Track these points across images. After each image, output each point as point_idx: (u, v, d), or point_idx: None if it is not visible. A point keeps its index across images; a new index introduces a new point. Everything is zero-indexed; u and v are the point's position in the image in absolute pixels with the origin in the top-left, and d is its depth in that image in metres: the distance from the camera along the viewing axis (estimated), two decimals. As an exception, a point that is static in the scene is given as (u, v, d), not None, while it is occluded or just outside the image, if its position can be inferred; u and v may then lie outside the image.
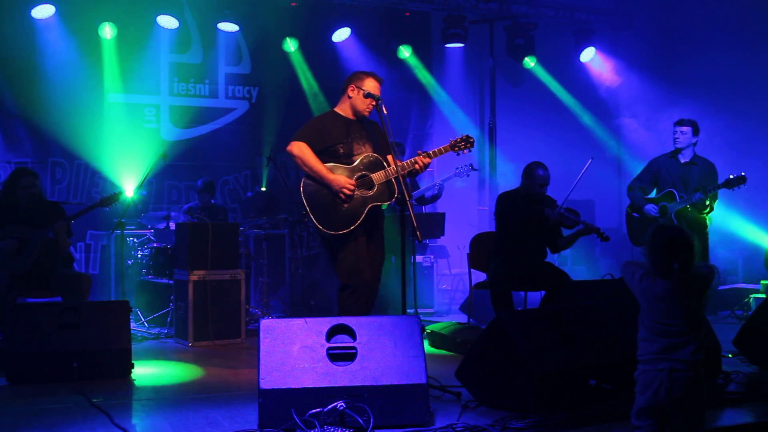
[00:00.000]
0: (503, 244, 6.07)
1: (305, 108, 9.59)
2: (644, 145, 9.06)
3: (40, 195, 5.93)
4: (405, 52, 10.11)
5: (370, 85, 4.91)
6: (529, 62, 10.24)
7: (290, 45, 9.51)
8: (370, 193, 4.79)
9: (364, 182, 4.79)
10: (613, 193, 10.78)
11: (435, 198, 7.95)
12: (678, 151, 6.56)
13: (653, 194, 6.68)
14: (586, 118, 10.88)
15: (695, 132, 6.53)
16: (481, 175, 10.13)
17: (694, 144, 6.55)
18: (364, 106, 4.90)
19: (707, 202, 6.30)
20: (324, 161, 4.80)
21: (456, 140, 4.97)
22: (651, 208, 6.49)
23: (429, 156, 4.83)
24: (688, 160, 6.53)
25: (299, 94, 9.74)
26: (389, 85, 10.14)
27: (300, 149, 4.81)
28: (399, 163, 4.71)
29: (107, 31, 8.74)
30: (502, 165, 9.81)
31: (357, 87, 4.92)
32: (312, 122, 5.01)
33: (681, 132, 6.50)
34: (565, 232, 6.21)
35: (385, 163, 4.86)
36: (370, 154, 4.87)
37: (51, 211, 5.95)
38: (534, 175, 6.04)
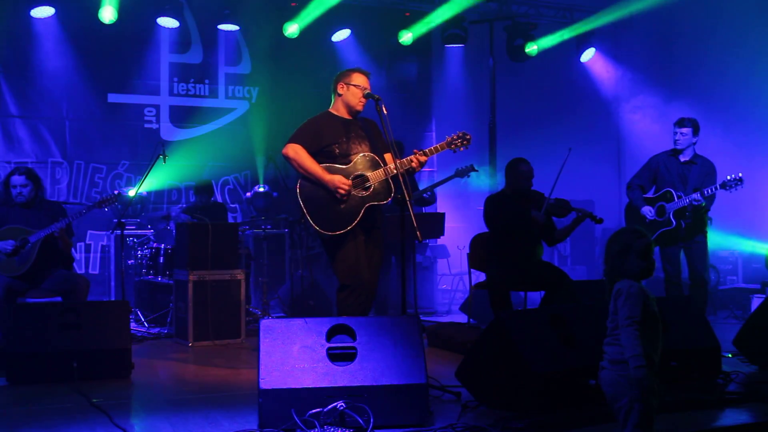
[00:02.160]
0: (499, 246, 6.07)
1: (305, 107, 9.58)
2: (644, 145, 9.05)
3: (34, 195, 5.89)
4: (407, 35, 9.97)
5: (358, 79, 4.89)
6: (532, 45, 10.16)
7: (291, 29, 9.41)
8: (367, 192, 4.77)
9: (360, 182, 4.77)
10: (613, 192, 10.78)
11: (431, 199, 7.96)
12: (678, 151, 6.56)
13: (651, 193, 6.68)
14: (586, 118, 10.88)
15: (695, 132, 6.52)
16: (482, 175, 10.13)
17: (694, 143, 6.55)
18: (356, 100, 4.87)
19: (703, 204, 6.30)
20: (320, 162, 4.77)
21: (452, 137, 4.94)
22: (647, 211, 6.49)
23: (425, 154, 4.80)
24: (688, 159, 6.53)
25: (299, 93, 9.74)
26: (390, 85, 10.18)
27: (295, 151, 4.79)
28: (395, 162, 4.70)
29: (107, 14, 8.58)
30: (502, 165, 9.78)
31: (345, 84, 4.91)
32: (307, 124, 4.97)
33: (681, 133, 6.50)
34: (559, 224, 6.20)
35: (381, 163, 4.82)
36: (367, 153, 4.84)
37: (50, 210, 5.95)
38: (518, 171, 6.03)
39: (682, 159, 6.54)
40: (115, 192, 6.07)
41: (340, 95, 4.94)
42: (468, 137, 4.95)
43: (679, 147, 6.51)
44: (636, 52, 11.03)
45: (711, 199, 6.37)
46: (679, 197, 6.37)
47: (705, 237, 6.53)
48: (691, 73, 10.46)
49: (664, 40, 10.88)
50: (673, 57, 10.86)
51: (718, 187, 6.23)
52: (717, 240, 8.80)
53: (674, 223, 6.35)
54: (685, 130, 6.49)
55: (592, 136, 10.82)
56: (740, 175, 6.21)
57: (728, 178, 6.22)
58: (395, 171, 4.65)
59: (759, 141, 9.31)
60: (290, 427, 3.57)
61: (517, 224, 5.88)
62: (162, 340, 6.71)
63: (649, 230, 6.33)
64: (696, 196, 6.23)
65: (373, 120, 4.95)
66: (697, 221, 6.42)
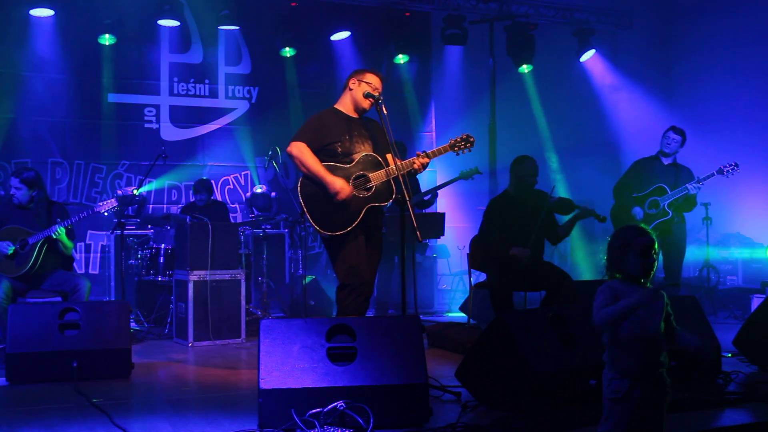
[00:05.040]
0: (500, 246, 6.06)
1: (305, 107, 9.62)
2: (644, 145, 9.07)
3: (29, 198, 5.89)
4: (402, 60, 10.14)
5: (372, 78, 4.88)
6: (525, 69, 10.28)
7: (288, 52, 9.53)
8: (368, 193, 4.76)
9: (361, 183, 4.76)
10: (613, 192, 10.78)
11: (431, 201, 7.99)
12: (664, 154, 6.80)
13: (638, 192, 6.81)
14: (586, 119, 10.88)
15: (683, 142, 6.84)
16: (482, 176, 10.14)
17: (677, 152, 6.86)
18: (367, 101, 4.85)
19: (696, 195, 6.59)
20: (322, 160, 4.75)
21: (455, 140, 4.93)
22: (637, 212, 6.67)
23: (428, 156, 4.79)
24: (670, 162, 6.80)
25: (299, 93, 9.77)
26: (390, 85, 10.16)
27: (299, 150, 4.77)
28: (397, 163, 4.69)
29: (107, 38, 8.78)
30: (502, 165, 9.81)
31: (359, 80, 4.90)
32: (311, 121, 4.95)
33: (673, 139, 6.85)
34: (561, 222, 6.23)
35: (384, 163, 4.81)
36: (369, 153, 4.82)
37: (52, 212, 5.95)
38: (524, 167, 6.06)
39: (665, 162, 6.77)
40: (116, 204, 6.03)
41: (350, 90, 4.93)
42: (471, 140, 4.94)
43: (667, 151, 6.78)
44: (636, 53, 11.02)
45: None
46: (673, 190, 6.56)
47: (684, 237, 6.73)
48: (691, 74, 10.46)
49: (664, 41, 10.88)
50: (674, 58, 10.86)
51: (715, 173, 6.56)
52: (716, 242, 8.82)
53: (670, 213, 6.54)
54: (677, 137, 6.82)
55: (592, 136, 10.82)
56: (735, 162, 6.59)
57: (722, 166, 6.59)
58: (396, 172, 4.64)
59: (761, 141, 9.32)
60: (290, 427, 3.57)
61: (520, 222, 5.89)
62: (162, 340, 6.71)
63: (645, 223, 6.48)
64: (693, 183, 6.47)
65: (377, 121, 4.93)
66: (683, 210, 6.61)
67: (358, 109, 4.91)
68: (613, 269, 3.19)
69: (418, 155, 4.78)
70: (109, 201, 6.02)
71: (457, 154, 4.96)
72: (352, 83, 4.92)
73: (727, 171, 6.56)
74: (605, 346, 3.17)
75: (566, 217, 6.17)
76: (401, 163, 4.73)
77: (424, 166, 4.82)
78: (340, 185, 4.66)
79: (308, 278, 7.64)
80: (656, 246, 3.11)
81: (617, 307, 3.04)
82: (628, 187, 6.86)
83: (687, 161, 7.00)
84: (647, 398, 3.04)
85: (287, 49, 9.48)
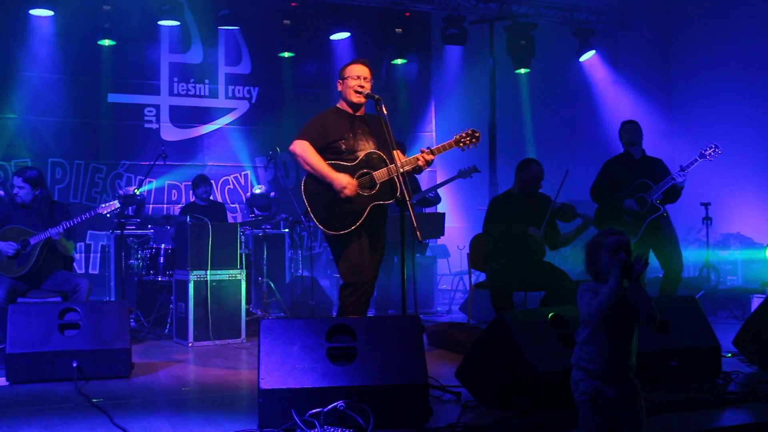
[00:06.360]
0: (500, 247, 6.06)
1: (305, 107, 9.63)
2: (644, 145, 9.08)
3: (32, 197, 5.89)
4: (402, 60, 10.14)
5: (353, 71, 4.84)
6: (522, 71, 10.29)
7: (287, 52, 9.54)
8: (372, 191, 4.75)
9: (365, 181, 4.74)
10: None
11: (435, 199, 7.99)
12: (629, 144, 6.68)
13: (620, 191, 6.75)
14: (586, 119, 10.89)
15: (639, 128, 6.72)
16: (481, 175, 10.15)
17: (640, 140, 6.74)
18: (352, 92, 4.80)
19: (682, 186, 6.49)
20: (326, 158, 4.73)
21: (461, 135, 4.89)
22: (631, 203, 6.55)
23: (432, 153, 4.76)
24: (639, 156, 6.69)
25: (299, 93, 9.77)
26: (390, 85, 10.18)
27: (302, 148, 4.75)
28: (401, 160, 4.67)
29: (106, 42, 8.82)
30: (502, 165, 9.81)
31: (341, 79, 4.89)
32: (314, 120, 4.92)
33: (633, 130, 6.73)
34: (563, 229, 6.20)
35: (388, 160, 4.78)
36: (373, 151, 4.80)
37: (54, 212, 5.95)
38: (529, 171, 6.02)
39: (636, 156, 6.72)
40: (118, 206, 6.03)
41: (340, 92, 4.92)
42: (477, 134, 4.90)
43: (632, 140, 6.69)
44: (636, 53, 11.03)
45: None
46: (657, 184, 6.48)
47: (674, 228, 6.69)
48: (691, 74, 10.45)
49: (664, 41, 10.88)
50: (672, 58, 10.86)
51: (697, 158, 6.44)
52: (716, 242, 8.81)
53: (662, 209, 6.45)
54: (632, 126, 6.69)
55: (592, 136, 10.82)
56: (714, 144, 6.47)
57: (702, 151, 6.46)
58: (401, 169, 4.61)
59: (761, 140, 9.32)
60: (290, 427, 3.57)
61: (512, 238, 5.89)
62: (162, 340, 6.71)
63: (637, 221, 6.37)
64: (677, 172, 6.40)
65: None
66: (669, 201, 6.59)
67: (352, 105, 4.88)
68: (589, 271, 3.17)
69: (422, 152, 4.76)
70: (111, 203, 6.02)
71: (462, 149, 4.92)
72: (339, 85, 4.92)
73: (709, 154, 6.43)
74: (576, 345, 3.14)
75: (567, 224, 6.15)
76: (405, 160, 4.72)
77: (429, 163, 4.78)
78: (345, 181, 4.64)
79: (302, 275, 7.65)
80: (631, 246, 3.08)
81: (604, 293, 3.01)
82: (606, 188, 6.73)
83: (686, 160, 6.97)
84: (617, 401, 3.01)
85: (287, 50, 9.50)
